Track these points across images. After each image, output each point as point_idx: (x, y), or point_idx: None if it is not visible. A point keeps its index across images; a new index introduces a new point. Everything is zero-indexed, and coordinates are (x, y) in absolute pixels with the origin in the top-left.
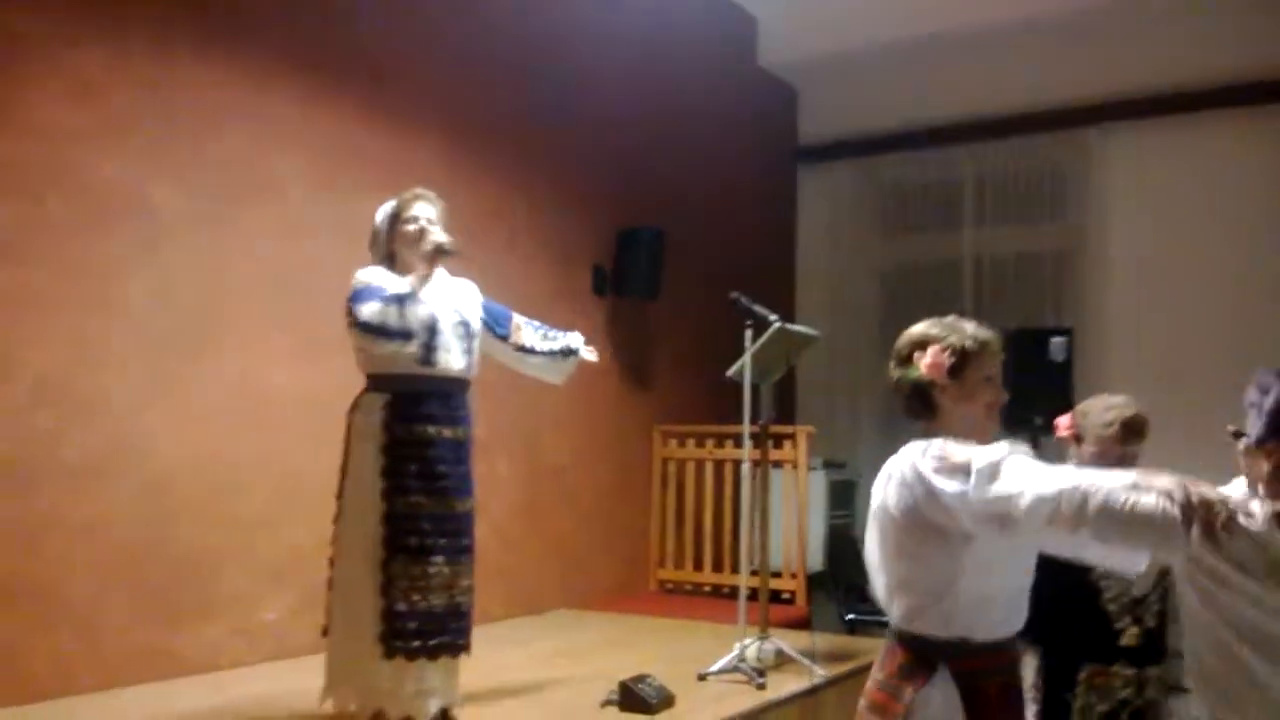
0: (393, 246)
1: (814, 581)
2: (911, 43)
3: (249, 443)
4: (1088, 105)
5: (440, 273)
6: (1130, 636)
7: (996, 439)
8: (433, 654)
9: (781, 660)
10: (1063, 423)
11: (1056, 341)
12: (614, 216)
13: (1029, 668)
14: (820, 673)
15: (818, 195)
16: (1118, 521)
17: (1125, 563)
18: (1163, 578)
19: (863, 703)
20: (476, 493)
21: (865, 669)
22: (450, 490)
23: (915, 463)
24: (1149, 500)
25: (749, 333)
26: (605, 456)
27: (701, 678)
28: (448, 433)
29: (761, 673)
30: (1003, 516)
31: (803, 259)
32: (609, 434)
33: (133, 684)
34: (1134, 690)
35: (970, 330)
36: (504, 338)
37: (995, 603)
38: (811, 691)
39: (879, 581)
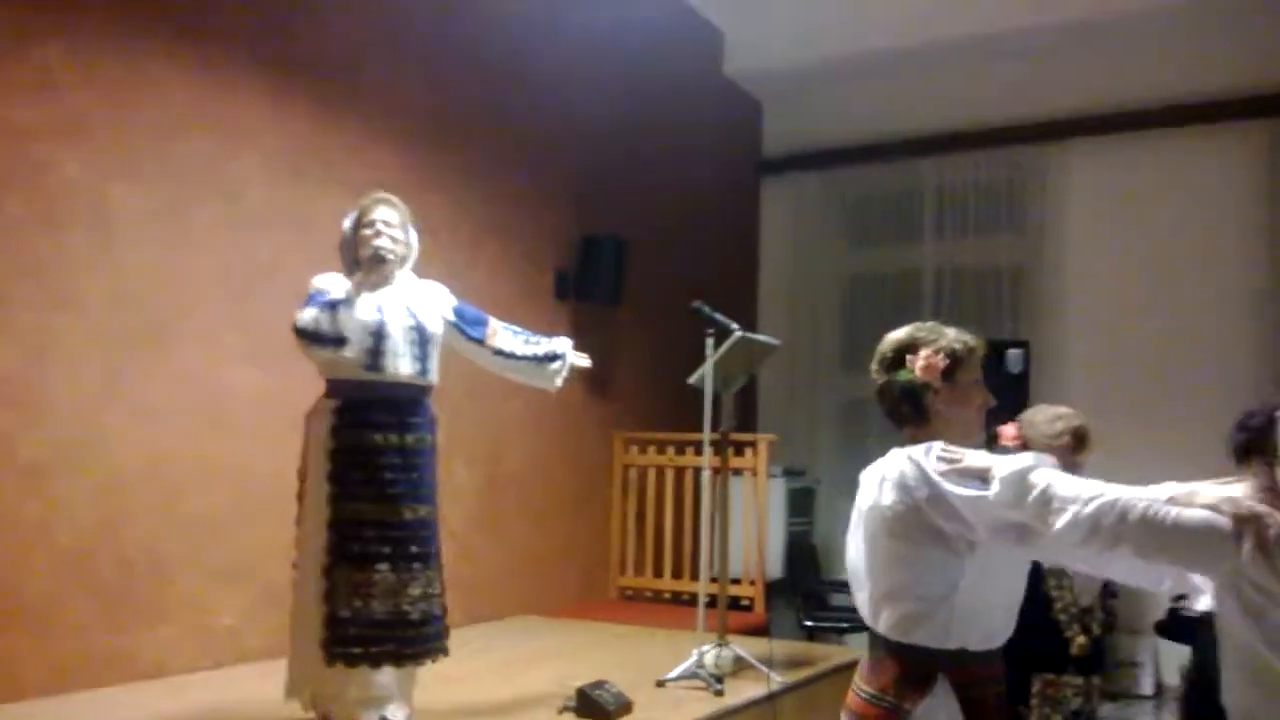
0: (357, 252)
1: (773, 588)
2: (875, 56)
3: (204, 443)
4: (1047, 121)
5: (405, 276)
6: (1079, 646)
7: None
8: (375, 661)
9: (740, 667)
10: (1008, 431)
11: (1014, 353)
12: (577, 222)
13: None
14: (778, 679)
15: (781, 206)
16: (1161, 535)
17: (1151, 580)
18: (1106, 587)
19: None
20: (438, 500)
21: (823, 676)
22: (398, 497)
23: (918, 465)
24: (1194, 514)
25: (710, 341)
26: (565, 463)
27: (660, 684)
28: (395, 439)
29: (720, 679)
30: (1027, 528)
31: (765, 269)
32: (569, 441)
33: (85, 688)
34: (1083, 699)
35: (955, 334)
36: (479, 341)
37: (993, 612)
38: (769, 698)
39: (865, 590)
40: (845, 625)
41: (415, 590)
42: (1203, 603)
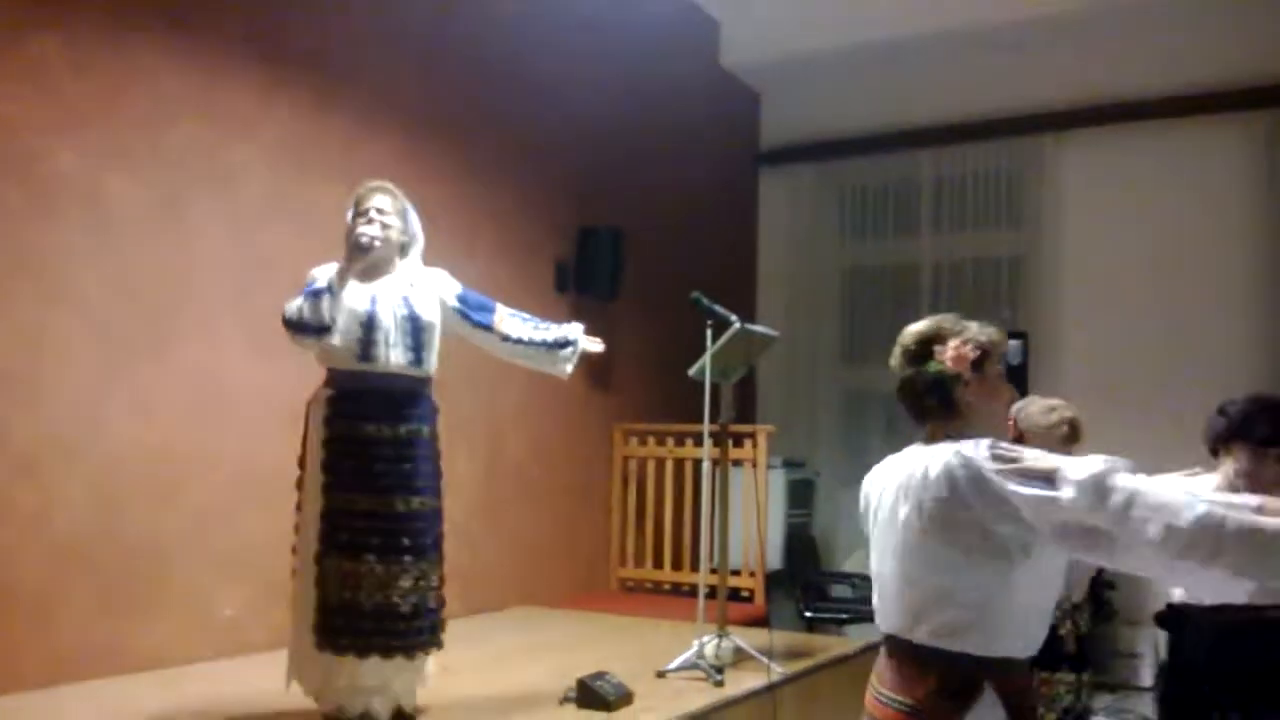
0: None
1: (772, 580)
2: (873, 47)
3: (202, 434)
4: (1045, 112)
5: (408, 265)
6: (1070, 642)
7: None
8: (361, 652)
9: (740, 658)
10: None
11: (1012, 345)
12: (575, 214)
13: None
14: (778, 670)
15: (779, 197)
16: (1261, 550)
17: (1233, 591)
18: (1099, 576)
19: None
20: (440, 491)
21: (823, 667)
22: (389, 489)
23: (969, 462)
24: None
25: (709, 332)
26: (565, 455)
27: (660, 675)
28: (387, 430)
29: (720, 670)
30: (1099, 534)
31: (763, 260)
32: (569, 432)
33: (84, 679)
34: (1074, 696)
35: (979, 326)
36: (486, 327)
37: (1038, 617)
38: (769, 689)
39: (898, 597)
40: (845, 617)
41: (406, 582)
42: (1176, 594)
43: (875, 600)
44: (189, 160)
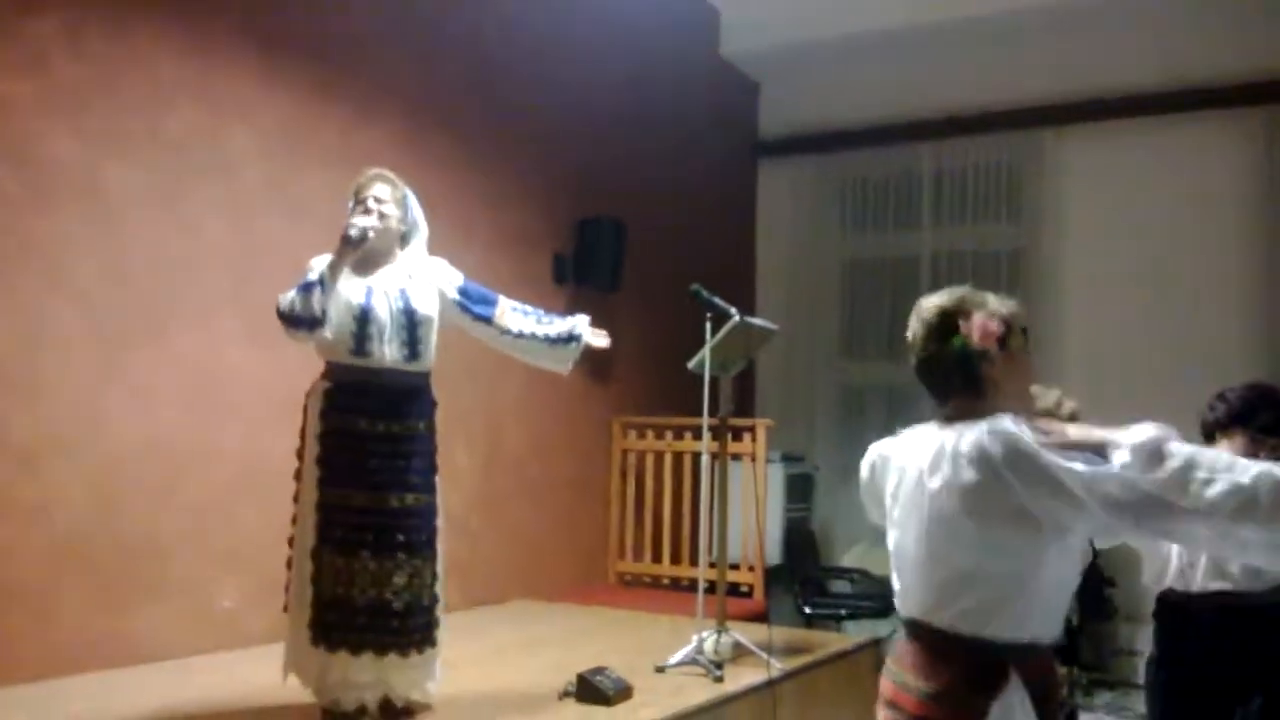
0: None
1: (772, 575)
2: (873, 38)
3: (201, 425)
4: (1045, 106)
5: (409, 255)
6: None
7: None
8: (354, 649)
9: (739, 653)
10: None
11: None
12: (574, 206)
13: None
14: (777, 666)
15: (778, 188)
16: None
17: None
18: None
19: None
20: (435, 487)
21: (822, 662)
22: (384, 485)
23: (1009, 439)
24: None
25: (709, 325)
26: (564, 448)
27: (659, 670)
28: (382, 426)
29: (719, 665)
30: (1151, 504)
31: (763, 253)
32: (568, 425)
33: (84, 671)
34: (1066, 691)
35: (996, 299)
36: (487, 320)
37: (1064, 599)
38: (769, 684)
39: (921, 579)
40: (844, 612)
41: (400, 579)
42: (1167, 583)
43: (894, 582)
44: (187, 145)
